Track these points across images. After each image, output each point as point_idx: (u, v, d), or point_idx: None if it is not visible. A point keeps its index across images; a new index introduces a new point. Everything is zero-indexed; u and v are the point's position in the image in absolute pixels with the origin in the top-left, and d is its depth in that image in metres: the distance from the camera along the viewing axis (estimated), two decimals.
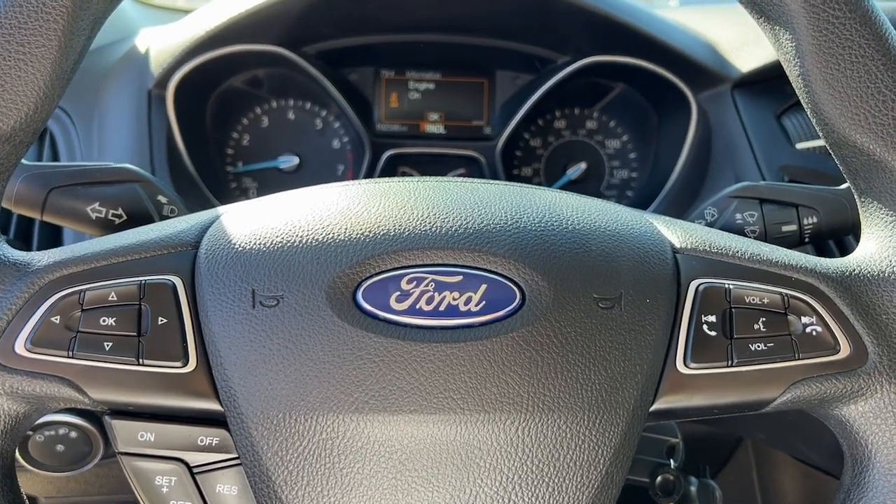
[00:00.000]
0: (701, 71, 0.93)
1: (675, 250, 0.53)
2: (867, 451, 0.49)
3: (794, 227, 0.64)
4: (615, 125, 1.07)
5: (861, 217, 0.54)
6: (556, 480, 0.47)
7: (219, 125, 1.05)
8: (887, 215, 0.51)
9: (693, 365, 0.49)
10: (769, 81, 0.90)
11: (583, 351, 0.47)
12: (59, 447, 0.80)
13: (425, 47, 1.03)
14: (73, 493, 0.95)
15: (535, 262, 0.49)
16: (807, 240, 0.65)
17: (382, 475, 0.46)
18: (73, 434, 0.80)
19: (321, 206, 0.51)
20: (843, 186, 0.65)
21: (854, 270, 0.51)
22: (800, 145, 0.90)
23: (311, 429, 0.46)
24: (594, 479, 0.47)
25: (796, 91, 0.51)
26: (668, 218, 0.56)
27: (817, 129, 0.51)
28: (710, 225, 0.66)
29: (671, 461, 0.68)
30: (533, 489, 0.47)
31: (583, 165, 1.06)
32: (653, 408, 0.49)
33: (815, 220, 0.64)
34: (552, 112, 1.07)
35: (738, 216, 0.65)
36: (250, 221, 0.51)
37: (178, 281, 0.49)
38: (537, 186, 0.55)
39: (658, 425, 0.71)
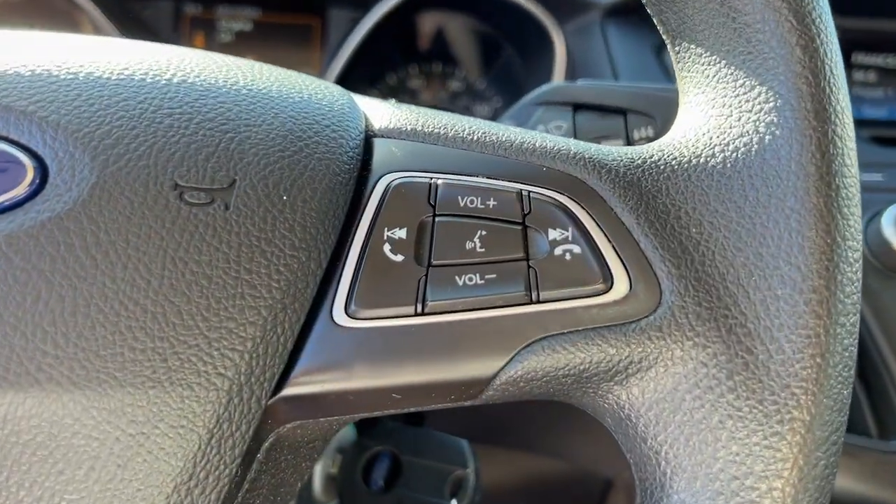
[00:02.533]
0: None
1: (370, 132, 0.32)
2: (659, 474, 0.27)
3: (619, 143, 0.43)
4: (485, 88, 0.87)
5: (678, 82, 0.33)
6: None
7: None
8: (709, 63, 0.30)
9: (362, 313, 0.27)
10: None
11: (131, 279, 0.26)
12: None
13: None
14: None
15: (78, 121, 0.27)
16: None
17: None
18: None
19: None
20: None
21: (652, 157, 0.30)
22: None
23: None
24: None
25: None
26: (388, 101, 0.35)
27: None
28: None
29: (453, 501, 0.45)
30: None
31: None
32: (283, 392, 0.27)
33: (650, 132, 0.42)
34: (404, 68, 0.87)
35: (542, 128, 0.44)
36: None
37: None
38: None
39: (442, 445, 0.48)
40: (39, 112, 0.27)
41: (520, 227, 0.28)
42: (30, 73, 0.29)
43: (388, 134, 0.31)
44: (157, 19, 0.82)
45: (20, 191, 0.26)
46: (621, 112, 0.42)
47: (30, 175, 0.26)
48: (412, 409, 0.28)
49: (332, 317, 0.27)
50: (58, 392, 0.24)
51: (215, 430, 0.26)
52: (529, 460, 0.68)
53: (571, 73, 0.72)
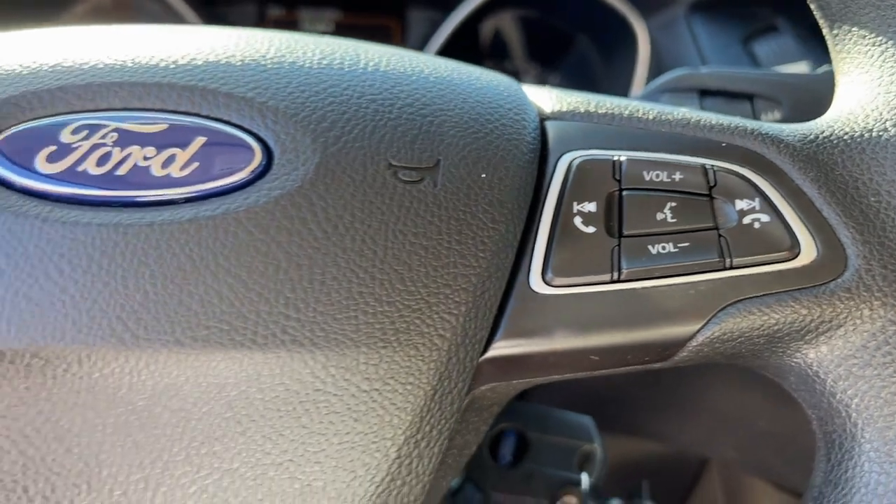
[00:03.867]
0: None
1: (543, 116, 0.34)
2: (850, 426, 0.29)
3: None
4: (558, 82, 0.89)
5: (835, 63, 0.34)
6: (299, 471, 0.27)
7: None
8: (874, 44, 0.32)
9: (557, 280, 0.29)
10: (733, 1, 0.71)
11: (358, 248, 0.28)
12: None
13: None
14: None
15: (295, 106, 0.30)
16: None
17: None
18: None
19: None
20: (820, 70, 0.46)
21: (824, 133, 0.32)
22: None
23: None
24: (373, 465, 0.27)
25: None
26: (551, 88, 0.37)
27: None
28: None
29: (584, 476, 0.47)
30: (259, 481, 0.27)
31: None
32: (488, 354, 0.29)
33: (777, 115, 0.44)
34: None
35: None
36: None
37: None
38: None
39: (566, 422, 0.50)
40: (258, 98, 0.29)
41: (707, 199, 0.30)
42: (240, 62, 0.31)
43: (560, 117, 0.33)
44: (242, 21, 0.85)
45: (250, 171, 0.28)
46: (748, 97, 0.44)
47: (258, 156, 0.29)
48: (604, 372, 0.30)
49: (529, 284, 0.29)
50: (300, 352, 0.27)
51: (438, 387, 0.28)
52: (622, 441, 0.70)
53: (656, 67, 0.74)
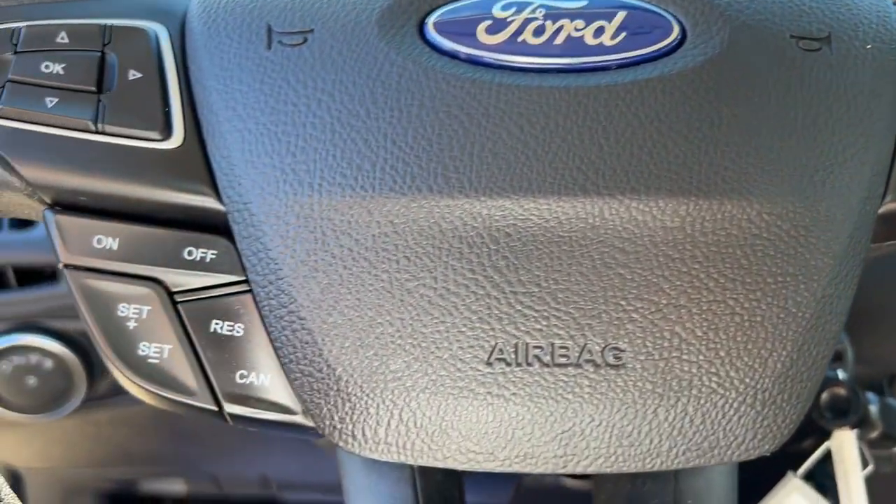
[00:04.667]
0: None
1: None
2: None
3: None
4: None
5: None
6: (740, 306, 0.29)
7: None
8: None
9: None
10: None
11: (776, 108, 0.30)
12: (31, 380, 0.63)
13: None
14: (55, 459, 0.78)
15: None
16: None
17: (476, 286, 0.29)
18: (48, 363, 0.63)
19: None
20: None
21: None
22: None
23: (365, 221, 0.29)
24: (803, 303, 0.30)
25: None
26: None
27: None
28: None
29: (838, 372, 0.49)
30: (705, 310, 0.29)
31: None
32: (883, 208, 0.31)
33: None
34: None
35: None
36: None
37: (159, 29, 0.33)
38: None
39: None
40: None
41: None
42: None
43: None
44: None
45: (670, 41, 0.31)
46: None
47: (675, 29, 0.31)
48: None
49: None
50: (738, 200, 0.29)
51: (853, 235, 0.30)
52: None
53: None
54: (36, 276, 0.63)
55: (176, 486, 0.93)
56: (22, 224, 0.63)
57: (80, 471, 0.81)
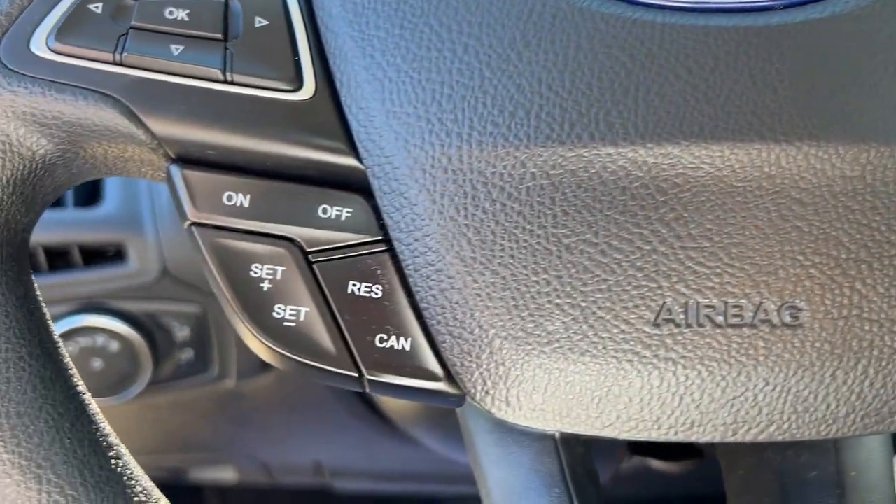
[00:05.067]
0: None
1: None
2: None
3: None
4: None
5: None
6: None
7: None
8: None
9: None
10: None
11: None
12: (96, 363, 0.62)
13: None
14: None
15: None
16: None
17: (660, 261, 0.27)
18: (114, 345, 0.61)
19: None
20: None
21: None
22: None
23: (519, 173, 0.27)
24: None
25: None
26: None
27: None
28: None
29: None
30: (886, 265, 0.27)
31: None
32: None
33: None
34: None
35: None
36: None
37: None
38: None
39: None
40: None
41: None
42: None
43: None
44: None
45: None
46: None
47: None
48: None
49: None
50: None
51: None
52: None
53: None
54: (101, 255, 0.61)
55: (225, 474, 0.91)
56: (86, 202, 0.61)
57: (136, 458, 0.79)
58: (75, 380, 0.31)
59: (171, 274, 0.61)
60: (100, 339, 0.61)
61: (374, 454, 0.87)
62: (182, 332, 0.63)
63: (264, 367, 0.70)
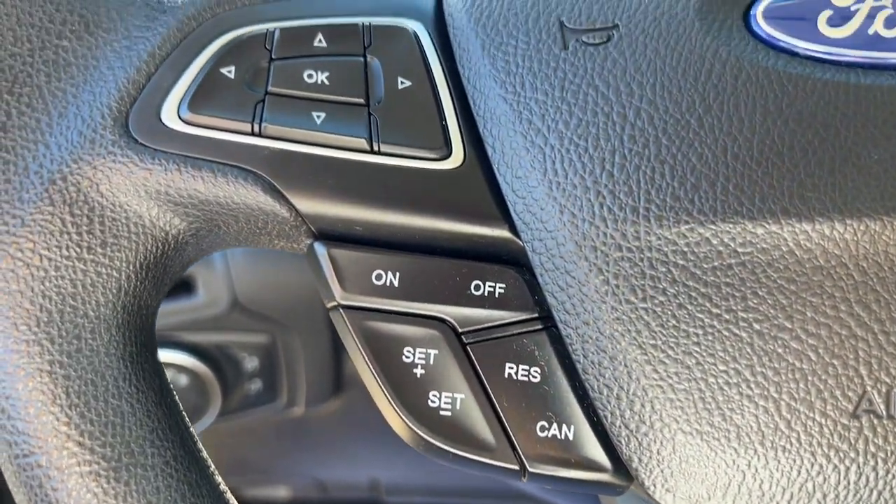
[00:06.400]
0: None
1: None
2: None
3: None
4: None
5: None
6: None
7: None
8: None
9: None
10: None
11: None
12: None
13: None
14: None
15: None
16: None
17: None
18: (184, 379, 0.59)
19: None
20: None
21: None
22: None
23: (704, 251, 0.25)
24: None
25: None
26: None
27: None
28: None
29: None
30: None
31: None
32: None
33: None
34: None
35: None
36: None
37: (417, 27, 0.29)
38: None
39: None
40: None
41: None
42: None
43: None
44: None
45: None
46: None
47: None
48: None
49: None
50: None
51: None
52: None
53: None
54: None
55: (277, 492, 0.89)
56: None
57: None
58: (217, 478, 0.29)
59: (241, 304, 0.59)
60: (169, 374, 0.59)
61: (432, 471, 0.85)
62: (251, 363, 0.61)
63: (333, 392, 0.68)
